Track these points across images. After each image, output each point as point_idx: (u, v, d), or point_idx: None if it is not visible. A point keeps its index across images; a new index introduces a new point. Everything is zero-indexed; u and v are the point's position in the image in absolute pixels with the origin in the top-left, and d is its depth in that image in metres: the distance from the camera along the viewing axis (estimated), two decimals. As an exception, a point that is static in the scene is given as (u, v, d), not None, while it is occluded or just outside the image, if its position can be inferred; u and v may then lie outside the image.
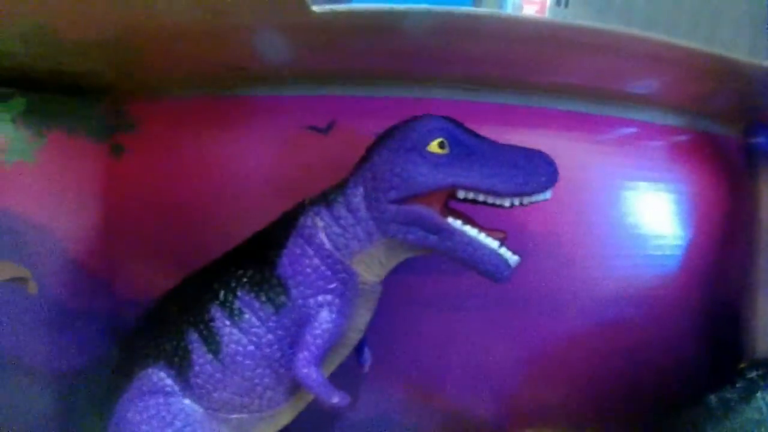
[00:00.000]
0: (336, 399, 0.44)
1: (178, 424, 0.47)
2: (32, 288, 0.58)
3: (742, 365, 0.53)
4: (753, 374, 0.52)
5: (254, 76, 0.58)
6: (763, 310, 0.55)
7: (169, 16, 0.40)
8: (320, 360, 0.45)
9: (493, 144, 0.45)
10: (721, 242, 0.60)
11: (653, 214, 0.61)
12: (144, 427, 0.47)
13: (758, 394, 0.50)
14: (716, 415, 0.51)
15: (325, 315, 0.46)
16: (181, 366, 0.48)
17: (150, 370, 0.49)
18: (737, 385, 0.52)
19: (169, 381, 0.48)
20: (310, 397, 0.51)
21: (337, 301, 0.46)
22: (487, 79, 0.57)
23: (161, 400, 0.48)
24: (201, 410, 0.48)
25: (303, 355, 0.45)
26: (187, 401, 0.48)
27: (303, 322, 0.46)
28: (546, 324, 0.60)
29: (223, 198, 0.61)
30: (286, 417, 0.51)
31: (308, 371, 0.45)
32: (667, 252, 0.60)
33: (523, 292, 0.59)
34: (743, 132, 0.57)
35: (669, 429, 0.54)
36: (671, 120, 0.59)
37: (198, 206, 0.61)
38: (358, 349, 0.53)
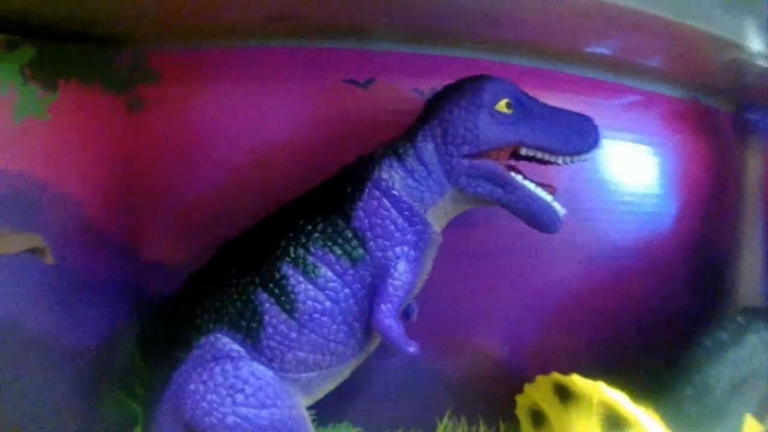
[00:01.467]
0: (412, 349, 0.47)
1: (248, 389, 0.47)
2: (50, 259, 0.53)
3: (731, 311, 0.61)
4: (741, 319, 0.60)
5: (291, 28, 0.56)
6: (747, 264, 0.63)
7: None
8: (399, 311, 0.47)
9: (548, 106, 0.49)
10: (711, 202, 0.67)
11: (652, 175, 0.67)
12: (211, 396, 0.46)
13: (747, 336, 0.58)
14: (711, 353, 0.59)
15: (404, 266, 0.47)
16: (249, 329, 0.47)
17: (212, 336, 0.48)
18: (728, 328, 0.60)
19: (234, 345, 0.48)
20: (370, 352, 0.52)
21: (413, 252, 0.48)
22: (512, 43, 0.59)
23: (228, 366, 0.47)
24: (271, 372, 0.48)
25: (386, 307, 0.46)
26: (255, 365, 0.48)
27: (381, 274, 0.47)
28: (554, 274, 0.65)
29: (255, 155, 0.60)
30: (347, 372, 0.52)
31: (390, 323, 0.46)
32: (663, 209, 0.66)
33: (536, 244, 0.63)
34: (736, 107, 0.64)
35: (670, 370, 0.61)
36: (672, 91, 0.65)
37: (226, 163, 0.59)
38: None
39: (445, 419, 0.65)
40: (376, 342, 0.52)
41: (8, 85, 0.48)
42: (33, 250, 0.52)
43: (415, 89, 0.59)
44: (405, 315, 0.56)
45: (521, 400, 0.61)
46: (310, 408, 0.54)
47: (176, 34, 0.57)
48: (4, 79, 0.48)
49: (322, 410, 0.63)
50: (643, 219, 0.66)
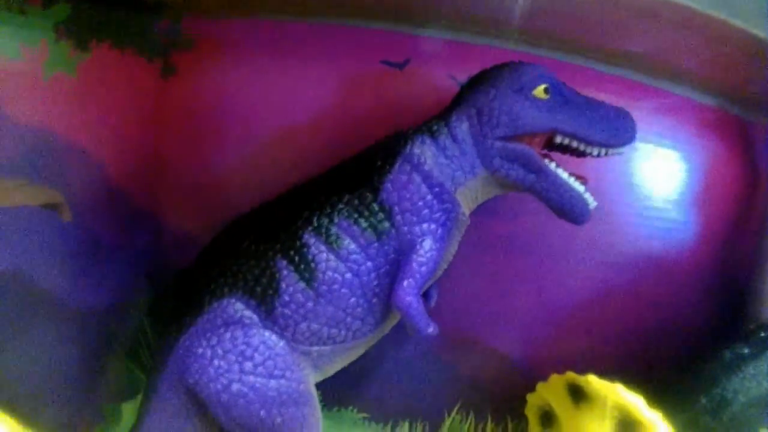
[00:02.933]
0: (431, 329, 0.46)
1: (258, 357, 0.46)
2: (67, 216, 0.53)
3: (752, 326, 0.60)
4: (762, 334, 0.58)
5: (331, 4, 0.55)
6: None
7: None
8: (421, 289, 0.46)
9: (585, 97, 0.48)
10: (736, 214, 0.66)
11: (679, 182, 0.65)
12: (219, 362, 0.45)
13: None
14: (731, 367, 0.57)
15: (430, 243, 0.46)
16: (264, 295, 0.46)
17: (225, 301, 0.47)
18: (749, 342, 0.58)
19: (248, 312, 0.46)
20: (385, 332, 0.51)
21: (440, 230, 0.47)
22: (551, 35, 0.58)
23: (239, 332, 0.46)
24: (282, 342, 0.47)
25: (408, 283, 0.45)
26: (267, 333, 0.46)
27: (405, 250, 0.46)
28: (573, 275, 0.64)
29: (284, 130, 0.59)
30: (360, 350, 0.51)
31: (411, 300, 0.45)
32: (687, 217, 0.65)
33: (556, 241, 0.63)
34: (770, 120, 0.63)
35: (687, 381, 0.59)
36: (706, 98, 0.64)
37: (255, 136, 0.59)
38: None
39: (453, 413, 0.64)
40: (392, 322, 0.51)
41: (40, 41, 0.48)
42: (51, 205, 0.52)
43: (450, 75, 0.58)
44: (424, 298, 0.55)
45: (532, 400, 0.60)
46: (316, 388, 0.53)
47: (213, 4, 0.56)
48: (36, 35, 0.48)
49: (329, 393, 0.62)
50: (667, 226, 0.65)
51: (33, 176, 0.48)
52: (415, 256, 0.46)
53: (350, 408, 0.64)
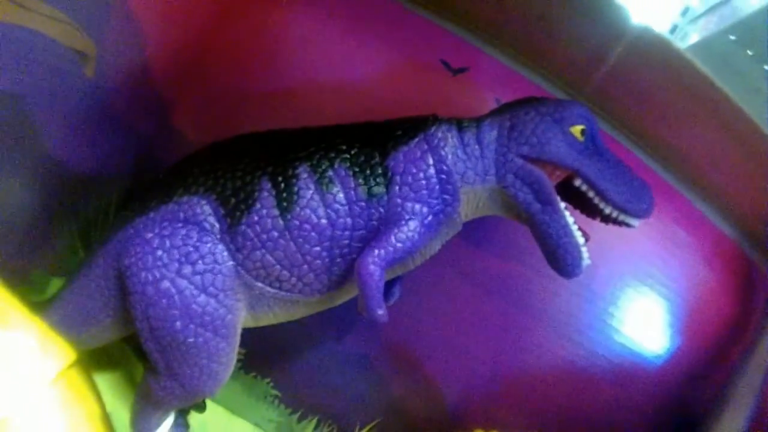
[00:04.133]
0: (380, 312, 0.43)
1: (200, 266, 0.43)
2: (90, 71, 0.52)
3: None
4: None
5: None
6: (725, 423, 0.59)
7: None
8: (389, 265, 0.44)
9: (617, 158, 0.48)
10: (713, 353, 0.63)
11: (667, 299, 0.63)
12: (161, 253, 0.43)
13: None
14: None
15: (415, 224, 0.44)
16: (236, 208, 0.44)
17: (195, 199, 0.45)
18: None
19: (212, 218, 0.45)
20: (337, 302, 0.49)
21: (431, 218, 0.45)
22: (610, 105, 0.58)
23: (194, 233, 0.44)
24: (231, 263, 0.45)
25: (378, 252, 0.43)
26: (221, 247, 0.44)
27: (388, 222, 0.44)
28: (539, 345, 0.61)
29: (325, 89, 0.59)
30: (302, 311, 0.48)
31: (374, 269, 0.43)
32: (664, 338, 0.63)
33: (537, 305, 0.61)
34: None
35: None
36: (725, 225, 0.63)
37: (297, 84, 0.59)
38: (390, 281, 0.52)
39: (366, 428, 0.60)
40: (342, 296, 0.49)
41: None
42: (80, 54, 0.51)
43: (497, 99, 0.58)
44: (385, 293, 0.52)
45: (448, 447, 0.56)
46: (241, 346, 0.50)
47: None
48: None
49: (253, 357, 0.59)
50: (642, 338, 0.62)
51: (77, 16, 0.48)
52: (396, 230, 0.44)
53: (267, 380, 0.60)
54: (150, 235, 0.44)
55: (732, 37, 0.77)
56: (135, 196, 0.51)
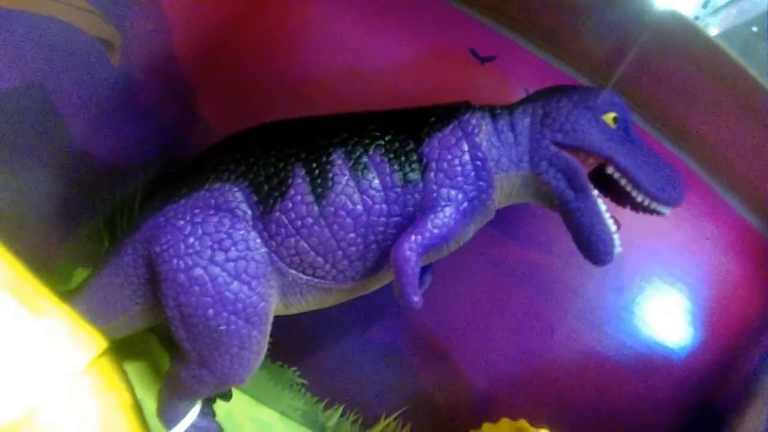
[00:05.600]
0: (416, 299, 0.43)
1: (233, 253, 0.43)
2: (115, 59, 0.52)
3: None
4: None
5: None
6: (753, 414, 0.58)
7: None
8: (426, 252, 0.44)
9: (648, 145, 0.48)
10: (737, 345, 0.63)
11: (692, 289, 0.63)
12: (193, 240, 0.43)
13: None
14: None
15: (451, 211, 0.44)
16: (269, 195, 0.44)
17: (226, 186, 0.45)
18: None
19: (244, 205, 0.44)
20: (370, 290, 0.49)
21: (466, 204, 0.45)
22: (636, 92, 0.58)
23: (227, 221, 0.44)
24: (264, 250, 0.44)
25: (414, 238, 0.43)
26: (254, 234, 0.44)
27: (424, 208, 0.44)
28: (571, 334, 0.61)
29: (352, 75, 0.59)
30: (334, 299, 0.48)
31: (410, 255, 0.42)
32: (689, 328, 0.62)
33: (569, 296, 0.61)
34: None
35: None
36: (751, 218, 0.62)
37: (321, 70, 0.59)
38: (422, 268, 0.52)
39: (390, 419, 0.60)
40: (375, 284, 0.49)
41: None
42: (106, 42, 0.51)
43: (525, 88, 0.58)
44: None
45: (475, 436, 0.56)
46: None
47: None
48: None
49: (279, 344, 0.59)
50: (669, 327, 0.62)
51: (103, 5, 0.48)
52: (432, 216, 0.44)
53: (293, 369, 0.60)
54: (182, 222, 0.44)
55: (754, 29, 0.76)
56: (163, 184, 0.51)
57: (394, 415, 0.60)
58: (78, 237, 0.56)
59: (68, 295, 0.50)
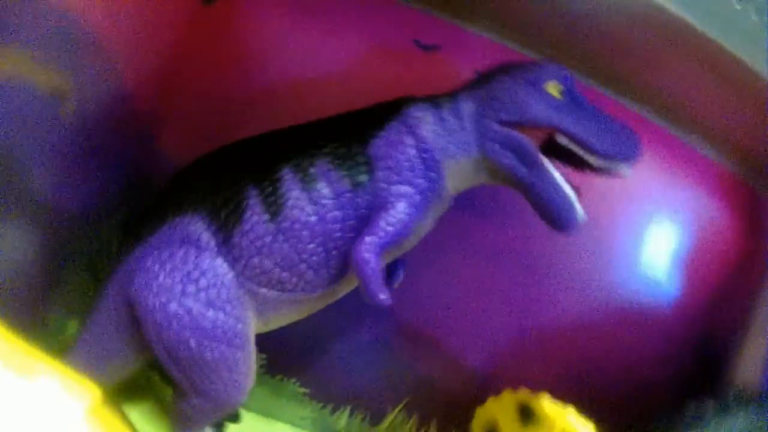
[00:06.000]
0: (383, 296, 0.43)
1: (203, 282, 0.44)
2: (70, 107, 0.52)
3: (722, 386, 0.57)
4: (732, 401, 0.55)
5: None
6: (752, 346, 0.59)
7: None
8: (383, 250, 0.44)
9: (598, 107, 0.48)
10: (727, 281, 0.63)
11: (674, 235, 0.64)
12: (164, 278, 0.44)
13: (731, 419, 0.53)
14: (693, 424, 0.54)
15: (403, 206, 0.45)
16: (226, 221, 0.45)
17: (186, 219, 0.46)
18: (716, 406, 0.55)
19: (205, 235, 0.45)
20: (341, 294, 0.49)
21: (418, 197, 0.45)
22: (580, 54, 0.57)
23: (192, 253, 0.45)
24: (231, 274, 0.45)
25: (370, 239, 0.44)
26: (219, 260, 0.45)
27: (377, 207, 0.45)
28: (554, 300, 0.62)
29: (304, 84, 0.59)
30: (309, 308, 0.49)
31: (369, 257, 0.43)
32: (677, 272, 0.63)
33: (544, 263, 0.62)
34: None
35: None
36: (722, 159, 0.63)
37: (275, 83, 0.59)
38: (393, 263, 0.53)
39: (396, 411, 0.61)
40: (346, 287, 0.50)
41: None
42: (57, 90, 0.51)
43: (476, 71, 0.58)
44: (389, 275, 0.53)
45: (480, 413, 0.57)
46: (261, 352, 0.52)
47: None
48: None
49: (275, 359, 0.60)
50: (656, 275, 0.63)
51: (48, 57, 0.48)
52: (384, 214, 0.44)
53: (293, 380, 0.61)
54: (149, 261, 0.45)
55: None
56: (132, 224, 0.52)
57: (399, 407, 0.61)
58: (64, 289, 0.57)
59: (63, 348, 0.51)
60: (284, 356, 0.60)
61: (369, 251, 0.43)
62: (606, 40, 0.55)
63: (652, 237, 0.63)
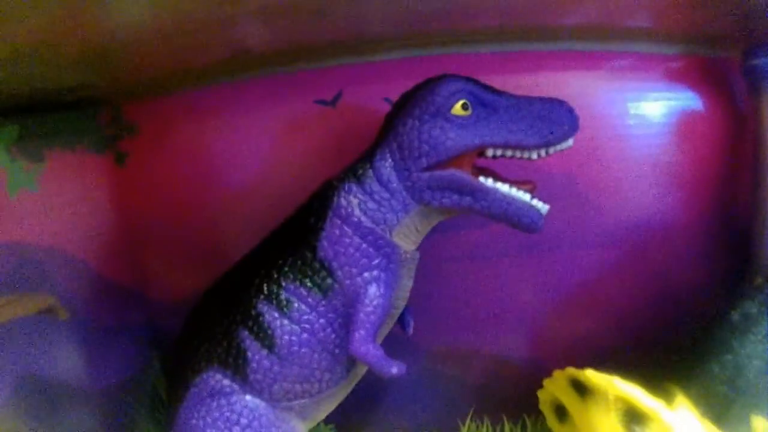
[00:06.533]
0: (395, 370, 0.46)
1: (244, 420, 0.48)
2: (63, 314, 0.57)
3: (759, 281, 0.56)
4: (769, 288, 0.55)
5: (255, 59, 0.56)
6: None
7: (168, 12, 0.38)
8: (375, 336, 0.47)
9: (514, 98, 0.46)
10: (728, 162, 0.61)
11: (660, 142, 0.62)
12: (210, 431, 0.49)
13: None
14: (740, 328, 0.54)
15: (374, 291, 0.46)
16: (236, 365, 0.48)
17: (205, 375, 0.50)
18: (756, 300, 0.55)
19: (226, 381, 0.49)
20: (361, 375, 0.52)
21: (383, 275, 0.47)
22: (486, 29, 0.55)
23: (223, 401, 0.49)
24: (263, 403, 0.49)
25: (359, 335, 0.46)
26: (248, 397, 0.49)
27: (353, 301, 0.47)
28: (569, 263, 0.62)
29: (237, 186, 0.61)
30: (344, 392, 0.53)
31: (366, 348, 0.46)
32: (676, 177, 0.61)
33: (545, 234, 0.61)
34: (743, 54, 0.57)
35: (697, 349, 0.57)
36: (668, 48, 0.59)
37: (212, 199, 0.61)
38: (400, 316, 0.54)
39: (468, 421, 0.65)
40: (364, 366, 0.52)
41: (-1, 168, 0.51)
42: (46, 310, 0.56)
43: (386, 98, 0.57)
44: (402, 329, 0.55)
45: (542, 396, 0.59)
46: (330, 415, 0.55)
47: (148, 85, 0.58)
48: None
49: (340, 417, 0.63)
50: (655, 189, 0.61)
51: (21, 289, 0.52)
52: (361, 307, 0.46)
53: (366, 430, 0.65)
54: (194, 421, 0.50)
55: None
56: (169, 382, 0.56)
57: (468, 420, 0.65)
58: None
59: None
60: (348, 411, 0.62)
61: (362, 344, 0.46)
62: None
63: (636, 153, 0.62)
